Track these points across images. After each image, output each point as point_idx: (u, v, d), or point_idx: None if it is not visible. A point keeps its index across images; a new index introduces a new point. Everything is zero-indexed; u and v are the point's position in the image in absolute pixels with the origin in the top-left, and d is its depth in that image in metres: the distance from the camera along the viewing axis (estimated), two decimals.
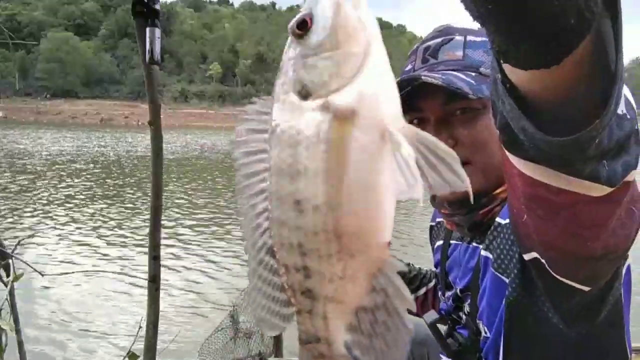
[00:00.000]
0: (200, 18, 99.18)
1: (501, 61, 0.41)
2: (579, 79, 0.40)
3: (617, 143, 0.46)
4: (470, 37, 0.82)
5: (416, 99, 0.83)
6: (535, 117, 0.43)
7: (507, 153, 0.53)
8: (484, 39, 0.80)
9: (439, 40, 0.84)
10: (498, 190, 0.82)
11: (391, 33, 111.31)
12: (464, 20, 0.82)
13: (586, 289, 0.60)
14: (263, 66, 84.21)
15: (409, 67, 0.88)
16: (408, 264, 1.33)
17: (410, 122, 0.88)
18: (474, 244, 0.92)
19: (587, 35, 0.35)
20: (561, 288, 0.61)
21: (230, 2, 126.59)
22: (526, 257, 0.65)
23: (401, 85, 0.81)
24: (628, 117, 0.47)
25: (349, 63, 0.37)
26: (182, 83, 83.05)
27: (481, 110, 0.80)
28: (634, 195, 0.52)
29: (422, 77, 0.77)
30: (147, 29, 1.13)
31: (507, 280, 0.75)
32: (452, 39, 0.82)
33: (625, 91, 0.48)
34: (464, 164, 0.78)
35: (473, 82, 0.77)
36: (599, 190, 0.47)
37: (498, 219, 0.81)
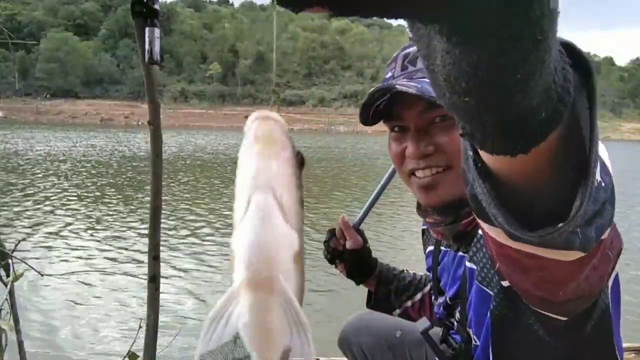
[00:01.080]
0: (200, 18, 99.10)
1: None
2: (548, 166, 0.39)
3: (592, 214, 0.44)
4: None
5: (396, 107, 0.84)
6: (506, 203, 0.42)
7: (476, 218, 0.52)
8: None
9: None
10: None
11: (391, 33, 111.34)
12: None
13: (564, 318, 0.59)
14: (263, 66, 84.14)
15: (389, 74, 0.88)
16: (402, 270, 1.32)
17: (392, 129, 0.88)
18: (461, 253, 0.92)
19: (559, 125, 0.34)
20: (540, 314, 0.60)
21: (230, 2, 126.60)
22: (504, 283, 0.65)
23: (378, 94, 0.82)
24: (603, 184, 0.45)
25: None
26: (182, 83, 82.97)
27: None
28: (606, 243, 0.51)
29: (397, 86, 0.78)
30: (147, 29, 1.12)
31: (491, 294, 0.75)
32: None
33: (602, 152, 0.46)
34: (445, 169, 0.83)
35: None
36: (571, 255, 0.47)
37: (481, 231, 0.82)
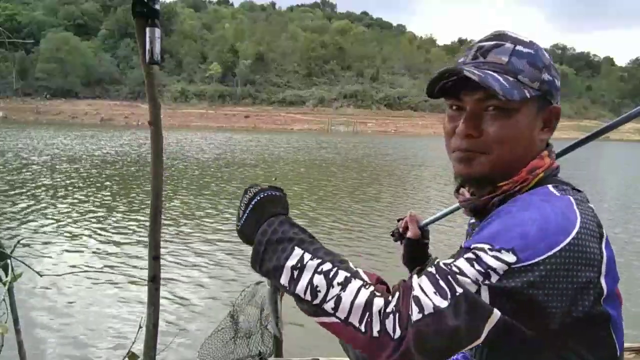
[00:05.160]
0: (200, 18, 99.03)
1: None
2: None
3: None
4: (519, 47, 0.89)
5: (459, 89, 0.93)
6: None
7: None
8: (530, 50, 0.89)
9: (492, 43, 0.92)
10: (502, 183, 0.91)
11: (391, 33, 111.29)
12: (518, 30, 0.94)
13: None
14: (263, 66, 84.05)
15: (462, 59, 0.97)
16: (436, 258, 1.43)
17: (451, 107, 0.98)
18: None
19: None
20: None
21: (230, 2, 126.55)
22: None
23: (447, 74, 0.91)
24: None
25: None
26: (182, 83, 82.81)
27: (513, 111, 0.88)
28: None
29: (464, 71, 0.86)
30: (147, 29, 1.12)
31: None
32: (503, 45, 0.90)
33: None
34: (481, 153, 0.91)
35: (507, 85, 0.84)
36: None
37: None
